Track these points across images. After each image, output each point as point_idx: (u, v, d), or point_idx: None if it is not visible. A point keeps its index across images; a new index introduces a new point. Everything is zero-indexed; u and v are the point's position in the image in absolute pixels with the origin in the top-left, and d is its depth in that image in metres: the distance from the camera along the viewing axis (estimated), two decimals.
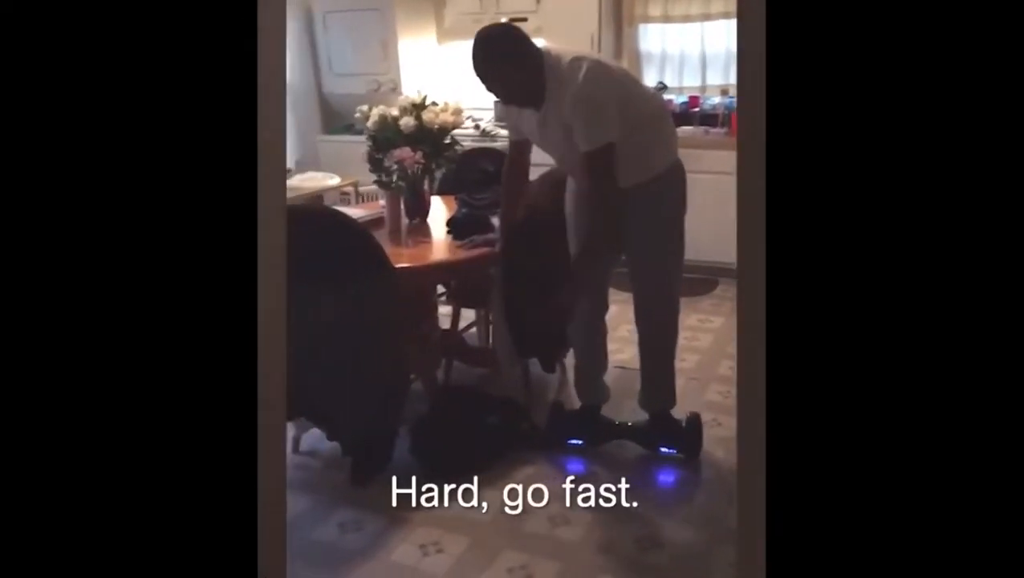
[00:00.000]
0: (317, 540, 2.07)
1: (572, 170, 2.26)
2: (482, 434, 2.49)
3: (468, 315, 3.17)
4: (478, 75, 2.08)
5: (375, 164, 2.73)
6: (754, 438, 0.82)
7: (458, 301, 3.01)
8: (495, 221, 2.64)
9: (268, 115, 0.80)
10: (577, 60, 2.05)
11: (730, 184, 4.25)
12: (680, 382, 2.50)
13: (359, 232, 2.22)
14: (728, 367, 3.09)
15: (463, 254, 2.46)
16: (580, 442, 2.46)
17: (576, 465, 2.39)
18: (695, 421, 2.44)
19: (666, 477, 2.36)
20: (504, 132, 4.37)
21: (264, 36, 0.78)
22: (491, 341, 2.93)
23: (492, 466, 2.35)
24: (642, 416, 2.45)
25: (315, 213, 2.48)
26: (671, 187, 2.23)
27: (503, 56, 2.07)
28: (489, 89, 2.12)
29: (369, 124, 2.75)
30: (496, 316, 2.70)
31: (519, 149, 2.38)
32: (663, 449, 2.40)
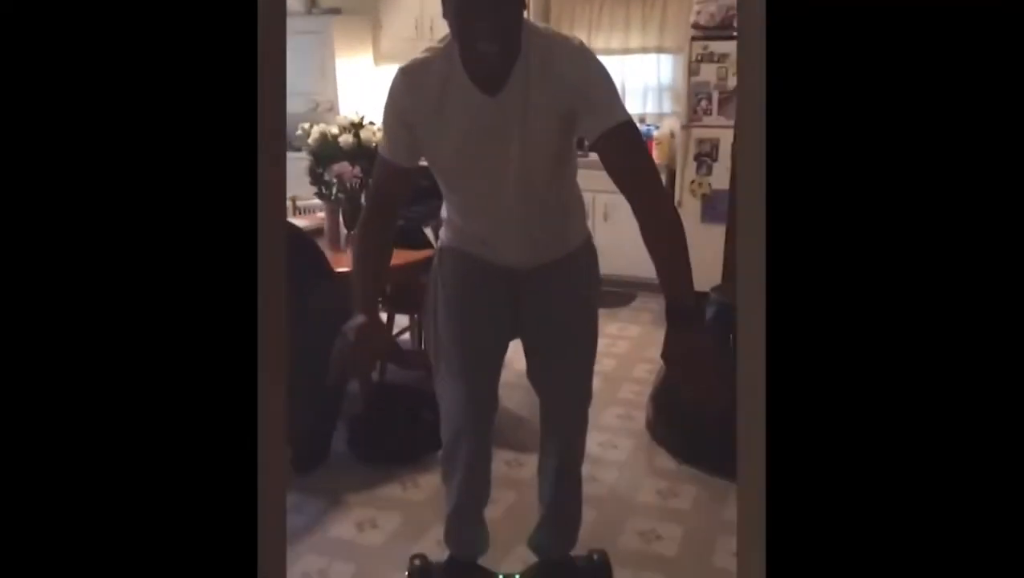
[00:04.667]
0: None
1: (528, 174, 1.51)
2: (415, 427, 2.69)
3: (401, 321, 3.38)
4: None
5: (315, 178, 2.93)
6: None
7: (392, 307, 3.22)
8: (428, 232, 2.87)
9: (268, 129, 0.76)
10: (564, 34, 1.48)
11: None
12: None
13: (303, 239, 2.42)
14: (646, 370, 3.37)
15: (397, 260, 2.67)
16: None
17: None
18: (601, 567, 1.89)
19: None
20: None
21: (264, 38, 0.75)
22: (423, 344, 3.15)
23: (425, 456, 2.56)
24: (531, 559, 1.91)
25: None
26: (589, 264, 1.72)
27: None
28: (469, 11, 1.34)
29: (310, 140, 2.95)
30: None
31: (399, 181, 1.56)
32: None
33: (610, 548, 2.04)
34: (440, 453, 1.77)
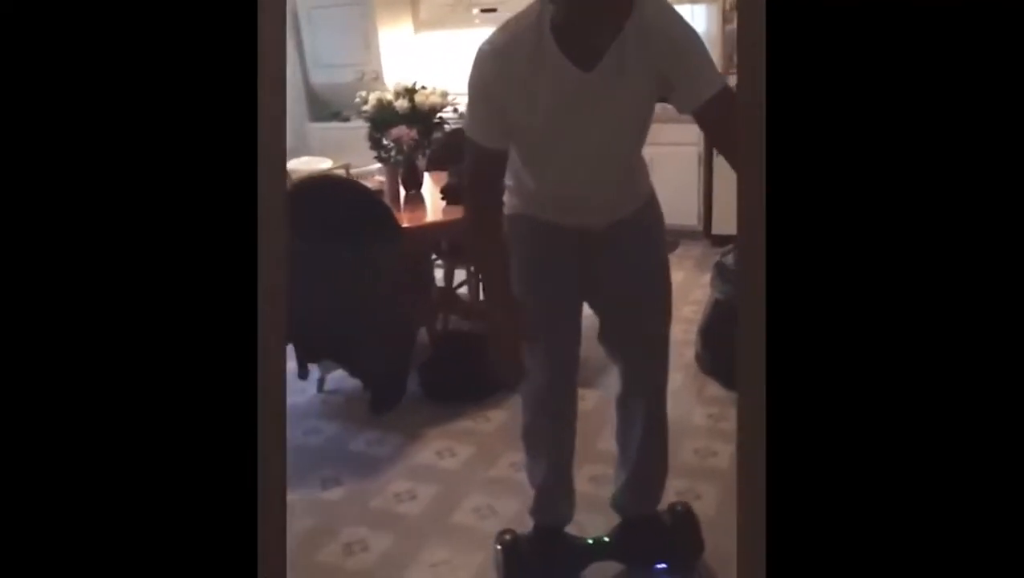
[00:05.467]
0: (352, 451, 2.49)
1: (614, 141, 1.54)
2: (477, 370, 2.91)
3: (459, 275, 3.60)
4: None
5: (374, 142, 3.12)
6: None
7: (450, 261, 3.43)
8: None
9: (268, 103, 0.76)
10: None
11: (686, 154, 4.76)
12: None
13: (374, 199, 2.63)
14: (691, 310, 3.54)
15: (454, 216, 2.88)
16: None
17: None
18: (686, 517, 1.88)
19: None
20: None
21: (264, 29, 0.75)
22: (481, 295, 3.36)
23: (492, 396, 2.78)
24: (614, 520, 1.89)
25: (338, 182, 2.87)
26: (657, 217, 1.71)
27: None
28: None
29: (367, 107, 3.14)
30: None
31: (495, 162, 1.52)
32: (658, 566, 1.86)
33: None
34: (522, 428, 1.77)
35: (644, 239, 1.68)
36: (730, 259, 2.87)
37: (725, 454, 2.35)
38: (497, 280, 1.60)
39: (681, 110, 1.44)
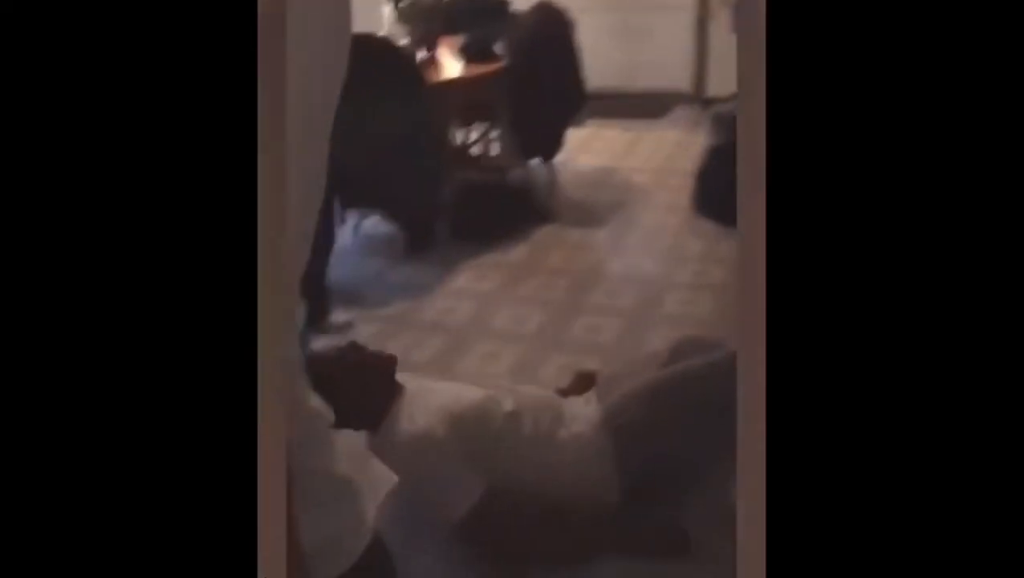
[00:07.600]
0: (393, 282, 2.86)
1: None
2: (501, 214, 3.25)
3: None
4: None
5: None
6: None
7: (465, 119, 3.70)
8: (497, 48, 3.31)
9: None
10: None
11: (679, 19, 4.88)
12: None
13: (404, 55, 2.88)
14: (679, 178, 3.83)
15: (472, 73, 3.17)
16: None
17: None
18: None
19: None
20: None
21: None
22: (499, 149, 3.66)
23: (510, 234, 3.14)
24: None
25: (365, 39, 3.09)
26: None
27: None
28: None
29: None
30: (503, 124, 3.42)
31: None
32: None
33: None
34: None
35: None
36: (724, 108, 3.17)
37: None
38: None
39: None
